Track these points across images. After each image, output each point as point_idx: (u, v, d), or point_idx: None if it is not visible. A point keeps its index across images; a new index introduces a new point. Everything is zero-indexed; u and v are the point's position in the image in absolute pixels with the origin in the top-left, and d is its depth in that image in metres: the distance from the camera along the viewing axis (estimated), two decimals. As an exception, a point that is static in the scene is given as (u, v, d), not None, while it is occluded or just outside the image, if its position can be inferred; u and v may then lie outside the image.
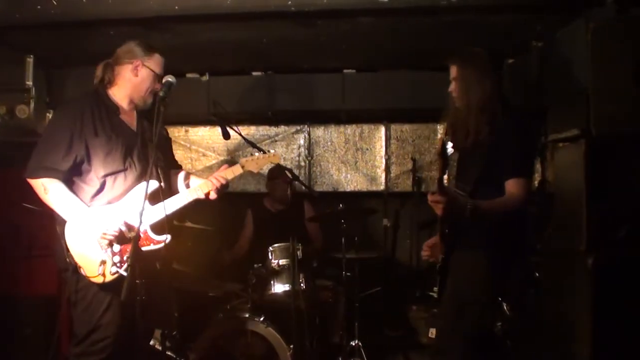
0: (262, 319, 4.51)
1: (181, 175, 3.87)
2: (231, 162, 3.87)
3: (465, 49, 3.66)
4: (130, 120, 3.66)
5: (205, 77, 5.91)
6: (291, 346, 4.45)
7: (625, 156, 3.83)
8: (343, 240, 5.09)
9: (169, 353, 4.83)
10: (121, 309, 3.44)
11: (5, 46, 4.51)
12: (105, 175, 3.48)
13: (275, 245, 4.78)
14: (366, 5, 3.88)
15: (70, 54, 5.01)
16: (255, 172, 3.90)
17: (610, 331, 3.74)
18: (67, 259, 3.42)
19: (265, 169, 5.84)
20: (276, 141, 6.53)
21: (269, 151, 3.92)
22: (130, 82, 3.59)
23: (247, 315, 4.55)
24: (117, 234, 3.40)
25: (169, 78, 3.41)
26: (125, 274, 3.33)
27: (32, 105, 4.73)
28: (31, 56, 4.83)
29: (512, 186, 3.42)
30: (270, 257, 4.74)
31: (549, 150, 5.75)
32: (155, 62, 3.60)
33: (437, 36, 4.54)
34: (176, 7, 3.86)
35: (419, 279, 6.24)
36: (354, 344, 5.12)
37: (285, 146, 6.54)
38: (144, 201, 3.18)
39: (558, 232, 4.38)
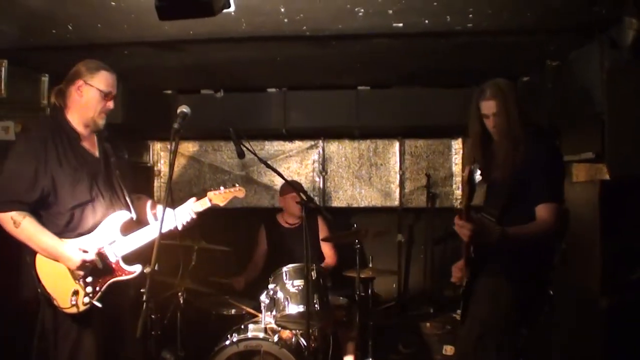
0: (276, 339, 4.50)
1: (148, 204, 3.81)
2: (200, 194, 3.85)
3: (499, 83, 3.60)
4: (91, 146, 3.57)
5: (220, 94, 5.94)
6: (305, 366, 4.44)
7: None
8: (357, 258, 5.09)
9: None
10: (96, 338, 3.39)
11: (20, 66, 4.52)
12: (73, 207, 3.39)
13: (290, 266, 4.76)
14: (381, 30, 3.86)
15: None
16: (222, 205, 3.82)
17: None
18: (39, 290, 3.32)
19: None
20: (290, 157, 6.55)
21: (235, 185, 3.90)
22: (78, 104, 3.46)
23: (261, 336, 4.54)
24: (91, 265, 3.34)
25: (184, 108, 3.27)
26: (98, 304, 3.34)
27: (47, 123, 4.74)
28: (46, 75, 4.83)
29: (542, 211, 3.39)
30: (284, 278, 4.72)
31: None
32: (99, 80, 3.44)
33: (451, 56, 4.53)
34: (191, 32, 3.84)
35: (433, 295, 6.23)
36: (367, 362, 5.11)
37: (299, 162, 6.56)
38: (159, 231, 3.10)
39: (571, 265, 4.36)
